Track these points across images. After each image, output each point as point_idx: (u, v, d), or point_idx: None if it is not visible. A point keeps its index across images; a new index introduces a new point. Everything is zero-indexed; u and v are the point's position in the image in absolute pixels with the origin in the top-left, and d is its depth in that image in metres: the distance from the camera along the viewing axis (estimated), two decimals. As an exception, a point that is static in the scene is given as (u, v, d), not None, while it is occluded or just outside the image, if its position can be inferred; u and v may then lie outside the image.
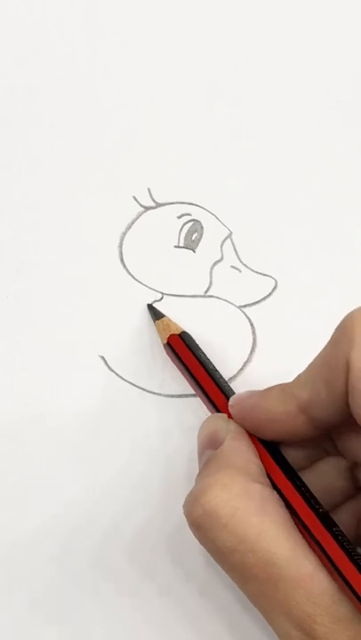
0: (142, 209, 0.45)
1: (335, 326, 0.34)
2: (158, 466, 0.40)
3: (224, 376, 0.41)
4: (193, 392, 0.40)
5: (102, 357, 0.42)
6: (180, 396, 0.41)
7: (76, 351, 0.42)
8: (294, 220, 0.45)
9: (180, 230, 0.44)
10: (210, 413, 0.38)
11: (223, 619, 0.38)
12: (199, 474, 0.35)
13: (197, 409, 0.40)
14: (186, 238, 0.44)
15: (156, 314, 0.42)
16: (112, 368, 0.42)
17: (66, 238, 0.44)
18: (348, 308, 0.43)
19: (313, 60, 0.49)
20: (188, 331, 0.42)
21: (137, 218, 0.44)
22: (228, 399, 0.37)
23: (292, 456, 0.36)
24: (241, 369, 0.42)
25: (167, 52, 0.48)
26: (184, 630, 0.38)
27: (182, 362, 0.40)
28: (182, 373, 0.40)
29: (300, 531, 0.33)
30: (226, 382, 0.39)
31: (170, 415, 0.41)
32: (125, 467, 0.40)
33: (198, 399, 0.40)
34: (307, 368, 0.35)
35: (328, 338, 0.34)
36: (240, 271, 0.44)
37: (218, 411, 0.38)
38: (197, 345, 0.40)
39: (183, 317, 0.43)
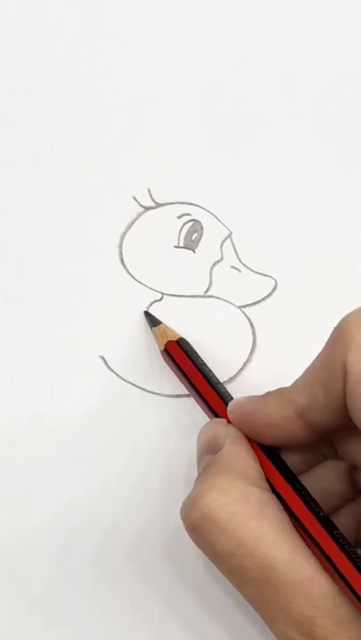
0: (142, 209, 0.45)
1: (334, 327, 0.34)
2: (158, 466, 0.40)
3: (224, 376, 0.41)
4: (193, 392, 0.40)
5: (102, 357, 0.42)
6: (179, 396, 0.41)
7: (76, 351, 0.42)
8: (294, 220, 0.45)
9: (180, 230, 0.44)
10: (208, 419, 0.38)
11: (222, 620, 0.38)
12: (197, 478, 0.35)
13: (197, 409, 0.40)
14: (186, 238, 0.44)
15: (153, 321, 0.42)
16: (112, 368, 0.42)
17: (66, 238, 0.44)
18: (347, 308, 0.43)
19: (313, 59, 0.49)
20: (187, 331, 0.42)
21: (137, 218, 0.44)
22: (226, 405, 0.37)
23: (291, 460, 0.36)
24: (241, 369, 0.42)
25: (167, 51, 0.48)
26: (183, 631, 0.38)
27: (180, 368, 0.39)
28: (180, 380, 0.40)
29: (300, 534, 0.33)
30: (224, 388, 0.39)
31: (170, 415, 0.41)
32: (125, 467, 0.40)
33: (198, 399, 0.40)
34: (304, 372, 0.35)
35: (328, 338, 0.34)
36: (240, 271, 0.44)
37: (217, 416, 0.38)
38: (195, 351, 0.40)
39: (183, 317, 0.43)
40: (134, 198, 0.45)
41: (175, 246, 0.44)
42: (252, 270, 0.44)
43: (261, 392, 0.40)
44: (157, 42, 0.48)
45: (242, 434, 0.36)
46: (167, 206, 0.45)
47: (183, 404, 0.41)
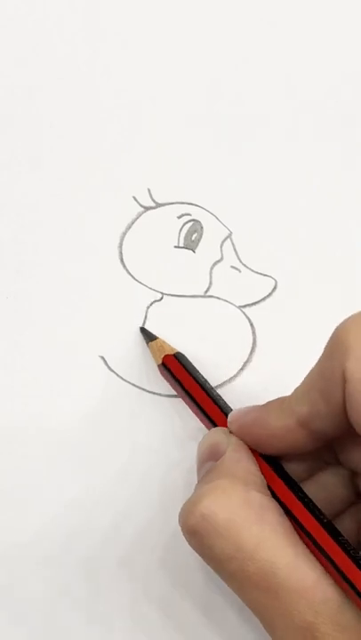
0: (142, 209, 0.45)
1: (335, 327, 0.34)
2: (158, 466, 0.40)
3: (224, 376, 0.41)
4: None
5: (102, 357, 0.42)
6: (179, 396, 0.41)
7: (76, 351, 0.42)
8: (294, 219, 0.45)
9: (180, 230, 0.44)
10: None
11: (222, 627, 0.38)
12: (198, 483, 0.35)
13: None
14: (186, 238, 0.44)
15: (149, 335, 0.41)
16: (112, 368, 0.42)
17: (66, 238, 0.44)
18: (347, 308, 0.43)
19: (313, 59, 0.49)
20: (187, 331, 0.42)
21: (137, 218, 0.44)
22: (226, 416, 0.37)
23: (293, 468, 0.36)
24: (241, 369, 0.42)
25: (167, 51, 0.48)
26: (184, 632, 0.38)
27: (178, 381, 0.39)
28: (178, 393, 0.40)
29: (303, 540, 0.33)
30: (223, 400, 0.39)
31: (170, 415, 0.41)
32: (125, 467, 0.40)
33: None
34: (303, 381, 0.34)
35: (328, 338, 0.34)
36: (240, 271, 0.44)
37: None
38: (192, 364, 0.40)
39: (183, 317, 0.43)
40: (134, 198, 0.45)
41: (175, 246, 0.44)
42: (252, 270, 0.44)
43: (262, 392, 0.41)
44: (157, 42, 0.48)
45: (243, 443, 0.36)
46: (167, 206, 0.45)
47: (183, 404, 0.41)
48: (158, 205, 0.45)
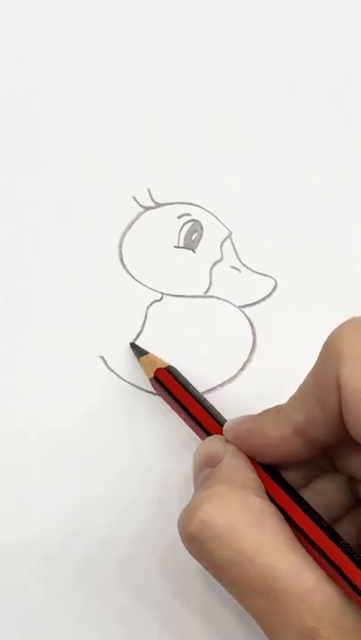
0: (142, 209, 0.45)
1: (335, 326, 0.34)
2: (158, 466, 0.40)
3: (224, 376, 0.41)
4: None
5: (102, 357, 0.42)
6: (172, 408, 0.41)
7: (76, 351, 0.42)
8: (294, 219, 0.45)
9: (180, 230, 0.44)
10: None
11: (222, 635, 0.38)
12: (196, 489, 0.35)
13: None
14: (186, 238, 0.44)
15: (139, 351, 0.41)
16: (112, 368, 0.42)
17: (66, 238, 0.44)
18: (347, 308, 0.43)
19: (313, 60, 0.49)
20: (187, 331, 0.42)
21: (137, 218, 0.44)
22: (221, 426, 0.37)
23: (290, 476, 0.36)
24: (241, 369, 0.42)
25: (167, 51, 0.48)
26: (182, 637, 0.38)
27: (171, 394, 0.39)
28: (171, 406, 0.40)
29: (303, 544, 0.33)
30: (217, 410, 0.38)
31: (170, 415, 0.41)
32: (125, 467, 0.40)
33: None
34: (298, 389, 0.34)
35: (319, 353, 0.34)
36: (240, 271, 0.44)
37: None
38: (184, 377, 0.40)
39: (183, 317, 0.43)
40: (134, 198, 0.45)
41: (175, 246, 0.44)
42: (252, 270, 0.44)
43: (261, 392, 0.41)
44: (157, 42, 0.48)
45: (240, 450, 0.36)
46: (167, 206, 0.45)
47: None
48: (158, 205, 0.45)
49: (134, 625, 0.38)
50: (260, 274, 0.44)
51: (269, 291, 0.44)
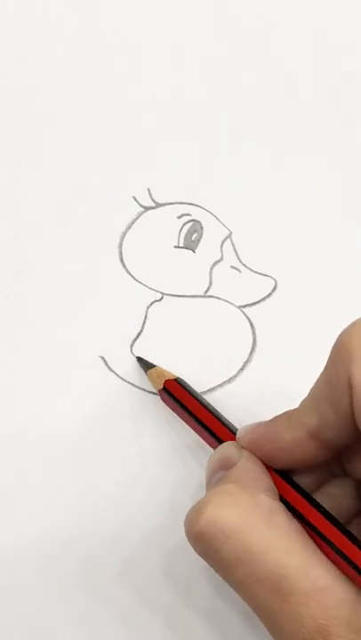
0: (142, 209, 0.45)
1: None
2: (158, 466, 0.40)
3: (224, 376, 0.41)
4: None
5: (102, 357, 0.42)
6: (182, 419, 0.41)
7: (76, 351, 0.42)
8: (294, 219, 0.45)
9: (180, 230, 0.44)
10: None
11: (225, 632, 0.38)
12: (208, 490, 0.35)
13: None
14: (186, 238, 0.44)
15: (146, 364, 0.41)
16: (112, 368, 0.42)
17: (66, 238, 0.44)
18: (347, 307, 0.43)
19: (313, 59, 0.49)
20: (187, 331, 0.42)
21: (137, 218, 0.44)
22: (233, 433, 0.37)
23: (301, 481, 0.35)
24: (241, 369, 0.42)
25: (167, 51, 0.48)
26: (187, 636, 0.38)
27: (182, 404, 0.39)
28: (181, 417, 0.40)
29: (317, 543, 0.32)
30: (227, 420, 0.38)
31: (170, 415, 0.41)
32: (125, 467, 0.40)
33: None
34: (310, 392, 0.34)
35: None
36: (240, 271, 0.44)
37: None
38: (192, 388, 0.40)
39: (183, 317, 0.43)
40: (134, 198, 0.45)
41: (175, 246, 0.44)
42: (252, 270, 0.44)
43: (261, 392, 0.41)
44: (157, 42, 0.48)
45: (254, 456, 0.35)
46: (167, 206, 0.45)
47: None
48: (158, 205, 0.45)
49: (136, 626, 0.38)
50: (260, 274, 0.44)
51: (269, 291, 0.44)
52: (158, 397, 0.41)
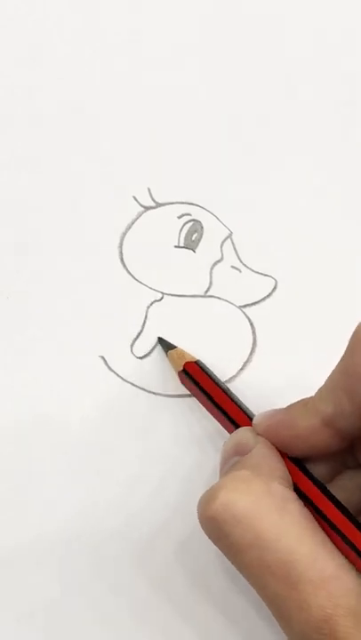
0: (142, 209, 0.45)
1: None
2: (158, 466, 0.40)
3: (224, 376, 0.41)
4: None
5: (102, 357, 0.42)
6: (180, 396, 0.41)
7: (76, 351, 0.42)
8: (294, 219, 0.45)
9: (180, 230, 0.44)
10: (217, 424, 0.38)
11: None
12: (222, 475, 0.35)
13: (197, 409, 0.40)
14: (186, 238, 0.44)
15: (167, 345, 0.42)
16: (112, 368, 0.42)
17: (66, 238, 0.44)
18: (347, 307, 0.43)
19: (313, 59, 0.49)
20: (187, 331, 0.42)
21: (137, 218, 0.44)
22: (250, 419, 0.37)
23: (315, 471, 0.36)
24: (241, 369, 0.42)
25: (167, 51, 0.48)
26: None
27: (201, 387, 0.39)
28: (199, 398, 0.40)
29: (327, 532, 0.33)
30: (245, 405, 0.39)
31: (170, 415, 0.41)
32: (125, 467, 0.40)
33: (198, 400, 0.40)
34: (327, 381, 0.35)
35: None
36: (240, 271, 0.44)
37: None
38: (212, 371, 0.40)
39: (183, 317, 0.43)
40: (134, 198, 0.45)
41: (175, 246, 0.44)
42: (253, 270, 0.44)
43: (261, 392, 0.41)
44: (157, 42, 0.48)
45: (270, 442, 0.36)
46: (167, 206, 0.45)
47: (184, 404, 0.41)
48: (158, 205, 0.45)
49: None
50: (261, 274, 0.44)
51: (270, 291, 0.44)
52: (158, 397, 0.41)
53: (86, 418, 0.41)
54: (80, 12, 0.49)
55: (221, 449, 0.37)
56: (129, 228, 0.44)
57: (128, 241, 0.44)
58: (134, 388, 0.42)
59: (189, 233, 0.44)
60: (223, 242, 0.44)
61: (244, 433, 0.37)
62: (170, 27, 0.49)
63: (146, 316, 0.43)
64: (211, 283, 0.44)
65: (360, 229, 0.45)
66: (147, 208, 0.45)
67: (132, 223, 0.44)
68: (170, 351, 0.41)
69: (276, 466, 0.35)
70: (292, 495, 0.33)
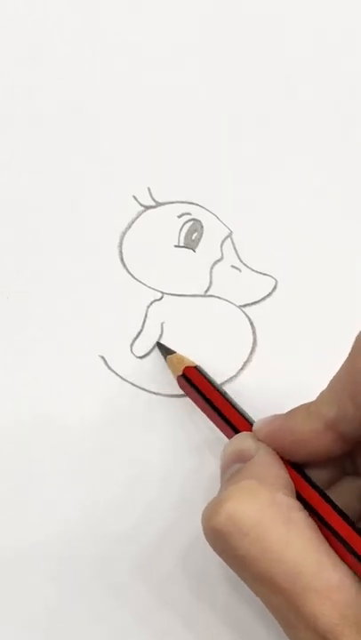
0: (142, 208, 0.45)
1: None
2: (158, 465, 0.40)
3: (224, 376, 0.41)
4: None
5: (102, 357, 0.42)
6: (180, 396, 0.41)
7: (76, 351, 0.42)
8: (294, 219, 0.45)
9: (180, 230, 0.44)
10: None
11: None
12: (224, 484, 0.35)
13: (197, 409, 0.40)
14: (186, 238, 0.44)
15: (166, 350, 0.41)
16: (112, 368, 0.42)
17: (66, 238, 0.44)
18: (347, 308, 0.43)
19: (313, 60, 0.49)
20: (187, 331, 0.42)
21: (137, 217, 0.44)
22: (250, 424, 0.37)
23: (314, 477, 0.36)
24: (241, 369, 0.42)
25: (167, 51, 0.48)
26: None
27: (200, 392, 0.39)
28: (198, 404, 0.40)
29: (330, 542, 0.33)
30: (244, 410, 0.39)
31: (170, 415, 0.41)
32: (125, 467, 0.40)
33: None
34: (329, 384, 0.34)
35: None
36: (240, 271, 0.44)
37: None
38: (211, 377, 0.40)
39: (183, 317, 0.43)
40: (134, 197, 0.45)
41: (175, 245, 0.44)
42: (253, 270, 0.44)
43: (261, 392, 0.41)
44: (157, 42, 0.48)
45: (271, 448, 0.36)
46: (167, 205, 0.45)
47: (184, 404, 0.41)
48: (158, 204, 0.45)
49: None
50: (261, 273, 0.44)
51: (270, 290, 0.44)
52: (158, 397, 0.41)
53: (86, 418, 0.41)
54: (80, 11, 0.49)
55: (221, 454, 0.37)
56: (129, 227, 0.44)
57: (128, 240, 0.44)
58: (134, 387, 0.42)
59: (189, 232, 0.44)
60: (223, 241, 0.44)
61: (244, 439, 0.36)
62: (170, 27, 0.49)
63: (146, 316, 0.43)
64: (211, 282, 0.44)
65: (360, 229, 0.45)
66: (147, 207, 0.45)
67: (132, 223, 0.44)
68: (169, 356, 0.41)
69: (279, 473, 0.34)
70: (297, 504, 0.33)
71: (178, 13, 0.49)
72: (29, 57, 0.48)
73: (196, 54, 0.48)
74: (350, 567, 0.32)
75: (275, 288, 0.44)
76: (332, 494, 0.36)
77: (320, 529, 0.33)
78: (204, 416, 0.39)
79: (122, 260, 0.44)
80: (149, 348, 0.42)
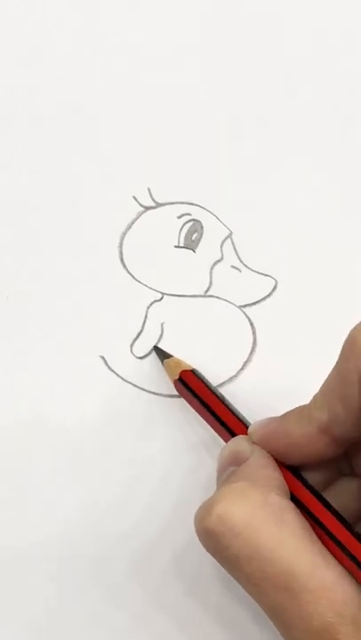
0: (142, 209, 0.45)
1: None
2: (158, 466, 0.40)
3: (224, 376, 0.41)
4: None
5: (102, 357, 0.42)
6: (180, 396, 0.41)
7: (76, 351, 0.42)
8: (294, 219, 0.45)
9: (180, 230, 0.44)
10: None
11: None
12: (218, 486, 0.35)
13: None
14: (186, 238, 0.44)
15: (164, 354, 0.42)
16: (112, 368, 0.42)
17: (66, 238, 0.44)
18: (347, 307, 0.43)
19: (313, 59, 0.49)
20: (187, 331, 0.42)
21: (137, 218, 0.44)
22: (247, 428, 0.37)
23: (310, 478, 0.36)
24: (241, 369, 0.42)
25: (167, 51, 0.48)
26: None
27: (197, 395, 0.39)
28: (195, 408, 0.40)
29: (324, 541, 0.33)
30: (241, 414, 0.39)
31: (170, 415, 0.41)
32: (125, 466, 0.40)
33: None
34: (321, 388, 0.34)
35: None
36: (240, 271, 0.44)
37: None
38: (208, 380, 0.40)
39: (183, 317, 0.43)
40: (134, 198, 0.45)
41: (175, 246, 0.44)
42: (253, 270, 0.44)
43: (262, 392, 0.41)
44: (157, 42, 0.48)
45: (266, 452, 0.36)
46: (167, 206, 0.45)
47: (183, 405, 0.41)
48: (158, 205, 0.45)
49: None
50: (261, 273, 0.44)
51: (270, 290, 0.44)
52: (158, 397, 0.41)
53: (86, 418, 0.41)
54: (80, 11, 0.49)
55: (217, 458, 0.37)
56: (129, 227, 0.44)
57: (128, 241, 0.44)
58: (134, 388, 0.42)
59: (189, 233, 0.44)
60: (223, 242, 0.44)
61: (239, 442, 0.36)
62: (170, 27, 0.49)
63: (146, 316, 0.43)
64: (211, 282, 0.44)
65: (360, 229, 0.45)
66: (147, 208, 0.45)
67: (132, 223, 0.44)
68: (166, 360, 0.41)
69: (273, 475, 0.35)
70: (290, 505, 0.33)
71: (178, 13, 0.49)
72: (29, 57, 0.48)
73: (196, 54, 0.48)
74: (347, 569, 0.32)
75: (275, 288, 0.44)
76: (329, 495, 0.36)
77: (315, 530, 0.33)
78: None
79: (122, 260, 0.44)
80: (149, 349, 0.42)
